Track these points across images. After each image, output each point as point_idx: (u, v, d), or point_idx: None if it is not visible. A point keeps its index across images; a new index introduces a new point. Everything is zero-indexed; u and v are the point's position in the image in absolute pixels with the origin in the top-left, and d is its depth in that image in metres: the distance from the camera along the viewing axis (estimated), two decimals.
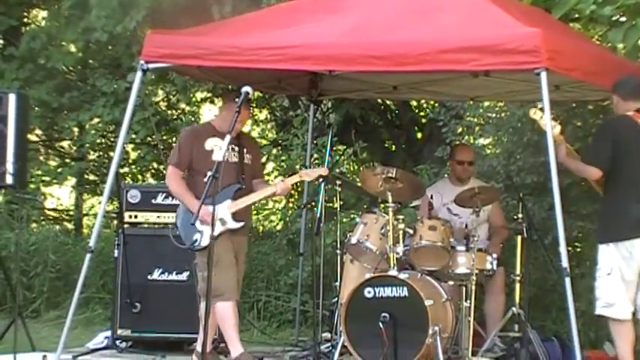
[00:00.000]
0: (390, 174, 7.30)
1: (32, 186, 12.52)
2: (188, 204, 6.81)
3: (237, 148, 7.02)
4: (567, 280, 6.11)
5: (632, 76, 6.59)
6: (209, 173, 6.11)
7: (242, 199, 6.93)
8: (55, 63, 11.99)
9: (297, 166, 10.64)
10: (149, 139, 12.53)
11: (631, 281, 6.45)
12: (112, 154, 11.97)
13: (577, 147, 7.28)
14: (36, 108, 12.15)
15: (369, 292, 6.93)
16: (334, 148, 11.01)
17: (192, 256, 6.86)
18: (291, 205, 12.56)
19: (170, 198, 7.81)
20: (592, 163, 6.48)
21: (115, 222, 8.76)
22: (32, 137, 12.93)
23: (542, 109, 6.36)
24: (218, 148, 6.53)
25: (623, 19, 7.05)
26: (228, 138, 6.04)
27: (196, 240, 6.69)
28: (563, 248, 6.08)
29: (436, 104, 11.11)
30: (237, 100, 6.12)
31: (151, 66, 7.05)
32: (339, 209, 8.14)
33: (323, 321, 8.24)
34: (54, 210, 14.85)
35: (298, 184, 11.49)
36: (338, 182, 8.02)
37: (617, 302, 6.45)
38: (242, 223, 6.93)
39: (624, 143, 6.50)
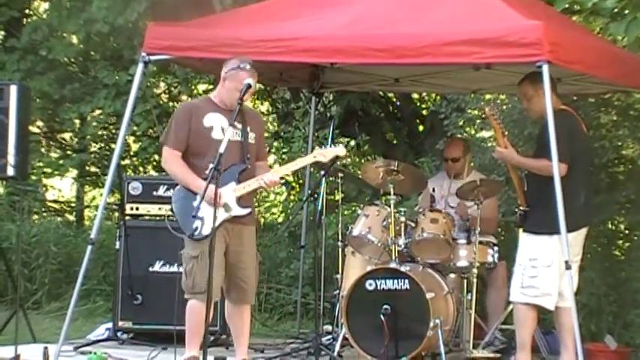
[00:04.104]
0: (392, 166, 7.31)
1: (33, 178, 12.55)
2: (192, 185, 6.12)
3: (239, 126, 6.23)
4: (568, 274, 6.12)
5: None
6: (210, 156, 5.87)
7: (248, 182, 6.22)
8: (57, 54, 11.96)
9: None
10: (150, 131, 12.53)
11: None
12: (113, 146, 12.00)
13: None
14: (37, 99, 12.12)
15: (370, 285, 6.94)
16: (335, 141, 10.99)
17: None
18: (292, 197, 12.57)
19: (172, 190, 7.79)
20: (560, 159, 6.14)
21: (117, 214, 8.76)
22: (33, 129, 12.89)
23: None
24: (219, 127, 6.24)
25: (626, 11, 7.04)
26: (230, 129, 6.05)
27: (196, 228, 6.10)
28: (564, 241, 6.06)
29: (437, 97, 11.10)
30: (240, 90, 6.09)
31: (152, 58, 7.02)
32: (340, 202, 8.15)
33: (324, 313, 8.26)
34: (55, 202, 14.85)
35: (299, 174, 11.56)
36: (340, 174, 8.01)
37: (553, 294, 6.49)
38: (248, 210, 6.24)
39: (579, 138, 6.58)
